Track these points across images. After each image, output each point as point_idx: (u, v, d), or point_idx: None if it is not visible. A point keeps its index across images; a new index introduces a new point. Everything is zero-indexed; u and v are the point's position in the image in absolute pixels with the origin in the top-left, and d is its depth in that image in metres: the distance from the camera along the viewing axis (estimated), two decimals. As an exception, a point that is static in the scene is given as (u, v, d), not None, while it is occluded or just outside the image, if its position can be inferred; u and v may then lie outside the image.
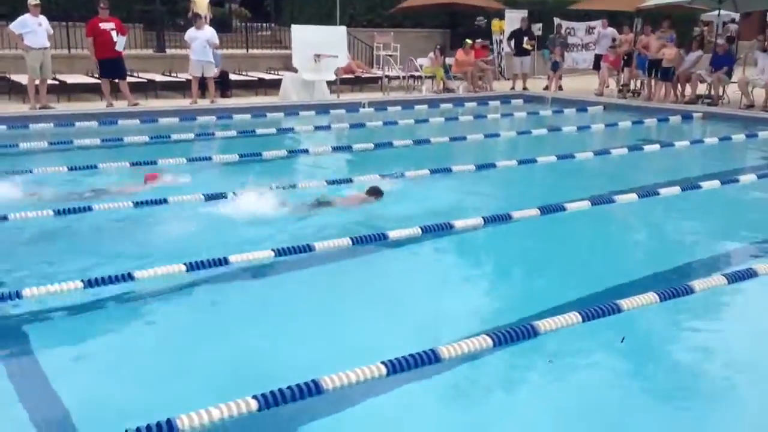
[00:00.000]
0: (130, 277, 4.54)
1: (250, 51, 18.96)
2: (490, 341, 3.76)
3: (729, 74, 14.81)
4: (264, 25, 22.40)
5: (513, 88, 17.70)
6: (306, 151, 9.73)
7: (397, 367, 3.44)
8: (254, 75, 16.83)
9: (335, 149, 10.08)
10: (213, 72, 13.92)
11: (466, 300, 4.81)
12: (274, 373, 3.59)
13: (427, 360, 3.54)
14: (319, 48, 14.34)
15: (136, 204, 6.41)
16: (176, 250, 5.38)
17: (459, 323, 4.31)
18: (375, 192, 7.00)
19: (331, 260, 5.35)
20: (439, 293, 4.93)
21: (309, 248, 5.23)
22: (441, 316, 4.49)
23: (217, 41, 13.80)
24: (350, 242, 5.47)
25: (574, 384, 3.76)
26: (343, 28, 15.77)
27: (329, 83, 15.22)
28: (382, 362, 3.44)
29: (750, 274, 4.84)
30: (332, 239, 5.43)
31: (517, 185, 8.39)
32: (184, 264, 4.72)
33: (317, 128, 11.86)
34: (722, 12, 17.93)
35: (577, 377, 3.83)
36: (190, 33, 13.53)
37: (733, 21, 27.38)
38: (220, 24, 20.14)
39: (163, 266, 4.67)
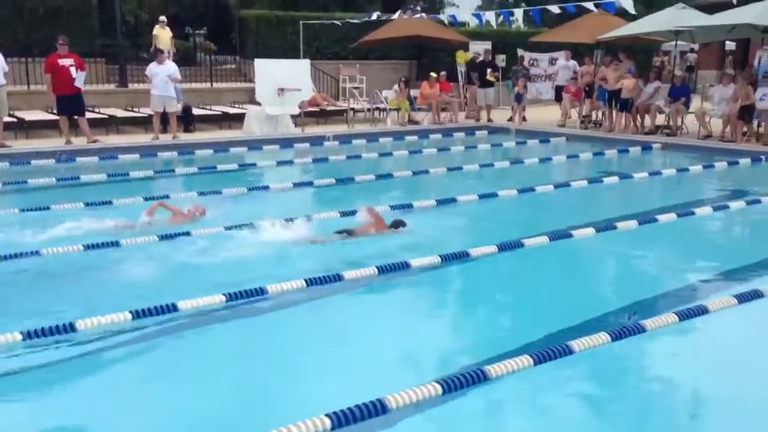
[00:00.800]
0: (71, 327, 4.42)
1: (215, 85, 18.93)
2: (439, 388, 3.70)
3: (687, 105, 15.10)
4: (229, 58, 22.43)
5: (478, 119, 17.86)
6: (266, 188, 9.66)
7: (342, 420, 3.37)
8: (218, 109, 16.77)
9: (297, 185, 10.02)
10: (175, 107, 13.84)
11: (418, 344, 4.72)
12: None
13: (374, 411, 3.47)
14: (282, 81, 14.38)
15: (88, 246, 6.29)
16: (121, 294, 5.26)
17: (410, 369, 4.24)
18: (398, 224, 7.17)
19: (285, 304, 5.26)
20: (391, 337, 4.85)
21: (261, 291, 5.17)
22: (392, 362, 4.41)
23: (179, 76, 13.74)
24: (304, 284, 5.41)
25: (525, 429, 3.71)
26: (306, 61, 15.86)
27: (294, 116, 15.21)
28: (327, 415, 3.36)
29: (702, 310, 4.86)
30: (287, 281, 5.36)
31: (477, 220, 8.38)
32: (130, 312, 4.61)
33: (280, 163, 11.81)
34: (680, 42, 18.34)
35: (529, 422, 3.78)
36: (152, 68, 13.46)
37: (692, 50, 28.10)
38: (185, 57, 20.12)
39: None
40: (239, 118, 15.55)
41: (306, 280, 5.41)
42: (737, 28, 14.88)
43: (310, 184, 10.01)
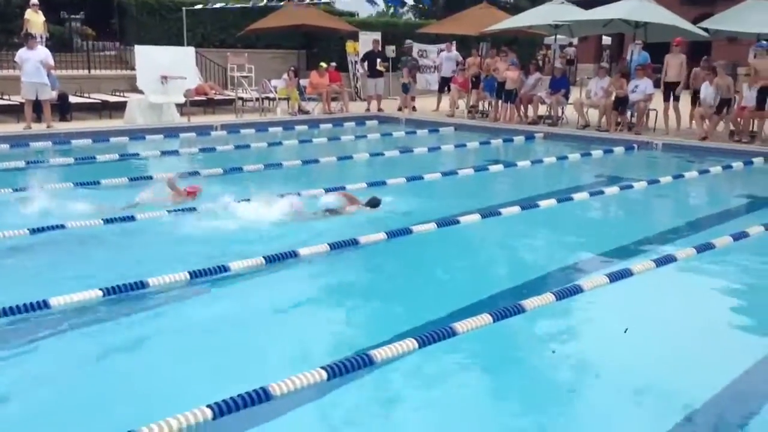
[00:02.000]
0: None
1: (93, 72, 18.04)
2: (324, 374, 3.67)
3: (567, 96, 15.77)
4: (109, 44, 21.42)
5: (368, 109, 17.93)
6: (150, 178, 9.29)
7: (224, 409, 3.28)
8: (98, 97, 15.97)
9: (182, 175, 9.69)
10: (49, 94, 13.06)
11: (303, 332, 4.69)
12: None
13: (257, 399, 3.40)
14: (165, 69, 13.87)
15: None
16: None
17: (293, 358, 4.19)
18: (373, 203, 7.69)
19: (170, 296, 5.08)
20: (276, 325, 4.79)
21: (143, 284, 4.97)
22: (273, 350, 4.35)
23: (51, 62, 12.98)
24: (188, 276, 5.24)
25: (413, 413, 3.75)
26: (191, 49, 15.38)
27: (179, 105, 14.73)
28: (208, 405, 3.27)
29: (577, 290, 5.08)
30: (168, 274, 5.18)
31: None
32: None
33: (165, 153, 11.40)
34: (561, 36, 19.12)
35: (413, 406, 3.82)
36: (21, 54, 12.65)
37: (571, 44, 29.38)
38: (60, 43, 19.05)
39: None
40: (121, 107, 14.87)
41: (190, 272, 5.25)
42: (612, 23, 15.67)
43: (196, 174, 9.72)
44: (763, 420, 3.67)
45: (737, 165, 11.08)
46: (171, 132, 13.17)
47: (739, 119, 12.94)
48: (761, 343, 4.64)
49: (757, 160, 11.43)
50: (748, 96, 12.73)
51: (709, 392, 3.84)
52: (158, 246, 6.54)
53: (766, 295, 5.62)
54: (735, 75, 21.00)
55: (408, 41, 22.14)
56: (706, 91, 13.09)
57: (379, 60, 18.17)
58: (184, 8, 19.46)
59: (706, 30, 15.04)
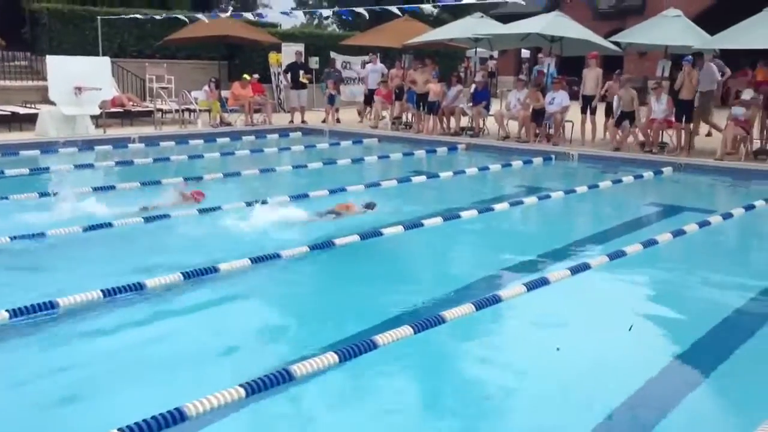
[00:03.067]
0: None
1: (3, 83, 17.30)
2: (242, 392, 3.60)
3: (488, 108, 16.10)
4: (19, 54, 20.55)
5: (292, 121, 17.83)
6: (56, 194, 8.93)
7: (137, 434, 3.17)
8: (7, 109, 15.30)
9: (97, 189, 9.38)
10: (-47, 106, 12.45)
11: (220, 349, 4.59)
12: None
13: (171, 420, 3.30)
14: (79, 80, 13.41)
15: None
16: None
17: (212, 374, 4.10)
18: (371, 206, 8.29)
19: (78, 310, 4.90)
20: (196, 344, 4.67)
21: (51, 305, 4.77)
22: (194, 367, 4.25)
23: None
24: (101, 294, 5.07)
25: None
26: (106, 59, 14.96)
27: (94, 117, 14.27)
28: (119, 429, 3.15)
29: (496, 299, 5.17)
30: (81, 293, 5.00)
31: (288, 222, 8.32)
32: None
33: (79, 166, 11.01)
34: (481, 49, 19.52)
35: (336, 418, 3.79)
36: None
37: (492, 57, 30.09)
38: (-34, 53, 18.21)
39: None
40: (32, 119, 14.28)
41: (102, 291, 5.07)
42: (529, 37, 16.10)
43: (112, 188, 9.43)
44: (674, 421, 3.80)
45: (648, 175, 11.54)
46: (85, 145, 12.73)
47: (648, 130, 13.49)
48: (671, 346, 4.83)
49: (666, 170, 11.94)
50: (657, 108, 13.30)
51: (622, 396, 3.96)
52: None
53: (672, 300, 5.85)
54: (645, 88, 22.02)
55: (333, 54, 22.17)
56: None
57: (302, 72, 18.12)
58: (99, 17, 18.92)
59: (618, 44, 15.65)
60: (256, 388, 3.65)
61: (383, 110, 17.91)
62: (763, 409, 3.59)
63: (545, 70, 15.93)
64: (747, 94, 12.73)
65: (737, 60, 16.64)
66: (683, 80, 12.97)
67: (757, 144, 13.09)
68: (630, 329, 4.85)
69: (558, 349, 4.54)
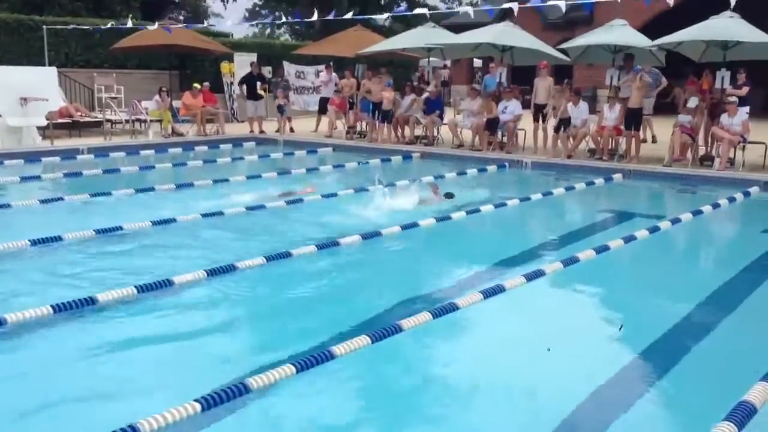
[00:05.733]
0: None
1: (-56, 93, 16.71)
2: (198, 407, 3.53)
3: (441, 117, 16.21)
4: (-38, 64, 19.99)
5: (252, 131, 17.66)
6: (8, 206, 8.69)
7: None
8: (-52, 120, 14.81)
9: (45, 202, 9.13)
10: None
11: (177, 363, 4.50)
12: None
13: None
14: (25, 90, 13.09)
15: None
16: None
17: (167, 389, 4.01)
18: (449, 195, 9.82)
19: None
20: (148, 359, 4.57)
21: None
22: (148, 381, 4.16)
23: None
24: (51, 311, 4.93)
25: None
26: (53, 69, 14.64)
27: (41, 128, 13.92)
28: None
29: (452, 307, 5.18)
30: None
31: (244, 233, 8.24)
32: None
33: (25, 179, 10.71)
34: (434, 58, 19.66)
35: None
36: None
37: (445, 66, 30.35)
38: None
39: None
40: (-25, 131, 13.88)
41: (53, 306, 4.93)
42: (480, 47, 16.28)
43: (60, 199, 9.21)
44: (624, 428, 3.85)
45: (599, 181, 11.76)
46: (32, 156, 12.41)
47: (599, 138, 13.76)
48: (623, 351, 4.90)
49: (617, 177, 12.18)
50: (609, 116, 13.58)
51: (576, 400, 4.00)
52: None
53: (623, 305, 5.95)
54: (595, 96, 22.49)
55: (285, 63, 22.08)
56: (572, 112, 13.85)
57: (259, 83, 17.99)
58: (45, 27, 18.50)
59: (566, 54, 15.94)
60: (213, 402, 3.58)
61: (337, 119, 17.89)
62: (712, 414, 3.65)
63: (498, 80, 16.13)
64: (692, 102, 13.11)
65: (680, 68, 17.12)
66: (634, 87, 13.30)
67: (702, 150, 13.48)
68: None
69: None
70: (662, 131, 13.91)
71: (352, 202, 9.90)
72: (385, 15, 19.33)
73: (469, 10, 16.49)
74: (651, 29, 16.30)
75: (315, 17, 15.88)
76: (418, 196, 9.47)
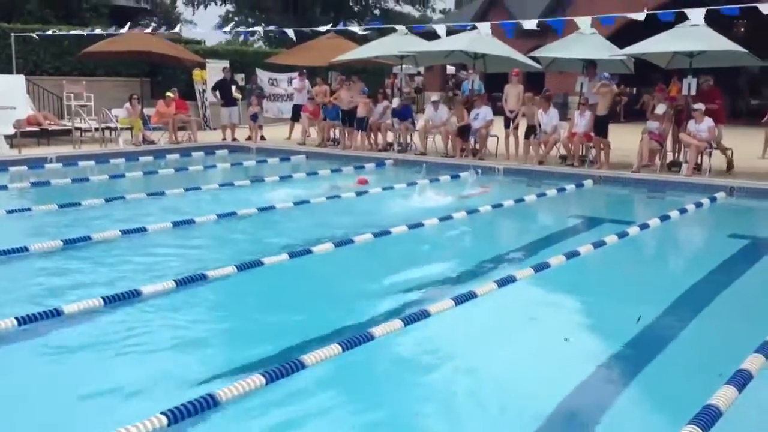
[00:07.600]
0: None
1: None
2: (164, 420, 3.49)
3: (414, 123, 16.24)
4: (-73, 72, 19.64)
5: (224, 138, 17.54)
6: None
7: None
8: None
9: (11, 212, 8.98)
10: None
11: (142, 374, 4.44)
12: None
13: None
14: (-9, 99, 12.91)
15: None
16: None
17: (133, 401, 3.96)
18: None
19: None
20: (117, 367, 4.51)
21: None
22: (109, 398, 4.09)
23: None
24: (15, 323, 4.84)
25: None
26: (21, 77, 14.45)
27: (8, 137, 13.72)
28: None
29: (424, 314, 5.18)
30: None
31: (216, 241, 8.19)
32: None
33: (-8, 188, 10.55)
34: (406, 65, 19.71)
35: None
36: None
37: (419, 73, 30.47)
38: None
39: None
40: (-60, 140, 13.64)
41: (17, 318, 4.84)
42: (453, 54, 16.37)
43: (28, 209, 9.07)
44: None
45: (570, 187, 11.87)
46: (-1, 165, 12.23)
47: (570, 144, 13.89)
48: (593, 355, 4.94)
49: (587, 183, 12.30)
50: (579, 123, 13.71)
51: (548, 406, 4.02)
52: None
53: (594, 310, 6.01)
54: (566, 103, 22.74)
55: (258, 70, 22.01)
56: (542, 118, 13.98)
57: (234, 87, 17.89)
58: (13, 34, 18.25)
59: (537, 62, 16.07)
60: (180, 415, 3.54)
61: (310, 126, 17.85)
62: (677, 418, 3.70)
63: (471, 86, 16.21)
64: (660, 109, 13.29)
65: (648, 75, 17.37)
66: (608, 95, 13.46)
67: (670, 156, 13.67)
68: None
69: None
70: (631, 138, 14.06)
71: (327, 209, 9.90)
72: (362, 27, 19.36)
73: (441, 28, 16.52)
74: (621, 36, 16.52)
75: (291, 31, 15.86)
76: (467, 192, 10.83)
